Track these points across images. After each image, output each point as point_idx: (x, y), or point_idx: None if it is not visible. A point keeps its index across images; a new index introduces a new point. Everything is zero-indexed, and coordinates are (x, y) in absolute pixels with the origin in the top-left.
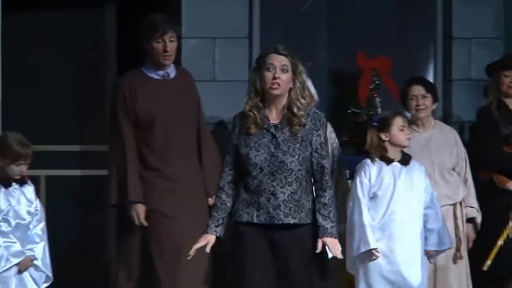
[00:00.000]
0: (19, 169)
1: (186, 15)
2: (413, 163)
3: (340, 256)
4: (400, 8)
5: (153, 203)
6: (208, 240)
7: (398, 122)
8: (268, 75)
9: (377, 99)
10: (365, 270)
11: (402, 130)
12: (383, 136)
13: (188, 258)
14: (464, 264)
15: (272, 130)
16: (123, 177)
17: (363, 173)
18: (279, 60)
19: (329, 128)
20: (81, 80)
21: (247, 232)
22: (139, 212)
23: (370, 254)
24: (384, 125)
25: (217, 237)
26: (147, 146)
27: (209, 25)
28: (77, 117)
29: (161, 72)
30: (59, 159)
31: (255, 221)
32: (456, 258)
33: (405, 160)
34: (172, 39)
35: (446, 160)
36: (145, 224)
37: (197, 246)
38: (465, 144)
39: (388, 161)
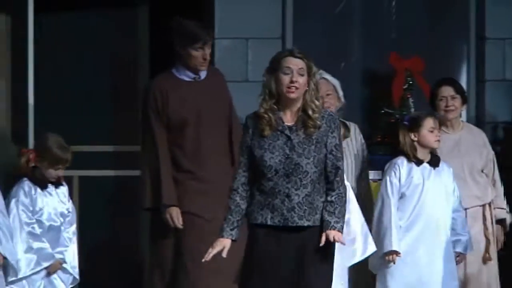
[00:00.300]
0: (56, 173)
1: (219, 15)
2: (442, 165)
3: (344, 242)
4: (433, 8)
5: (186, 205)
6: (224, 244)
7: (428, 123)
8: (285, 78)
9: (410, 100)
10: (386, 270)
11: (431, 131)
12: (412, 136)
13: (203, 260)
14: (493, 265)
15: (287, 132)
16: (157, 180)
17: (393, 173)
18: (296, 63)
19: (357, 129)
20: (114, 81)
21: (260, 234)
22: (174, 215)
23: (390, 256)
24: (414, 125)
25: (232, 240)
26: (179, 148)
27: (242, 25)
28: (109, 118)
29: (192, 74)
30: (92, 159)
31: (269, 223)
32: (485, 259)
33: (435, 161)
34: (209, 47)
35: (476, 161)
36: (181, 226)
37: (214, 251)
38: (499, 145)
39: (418, 162)
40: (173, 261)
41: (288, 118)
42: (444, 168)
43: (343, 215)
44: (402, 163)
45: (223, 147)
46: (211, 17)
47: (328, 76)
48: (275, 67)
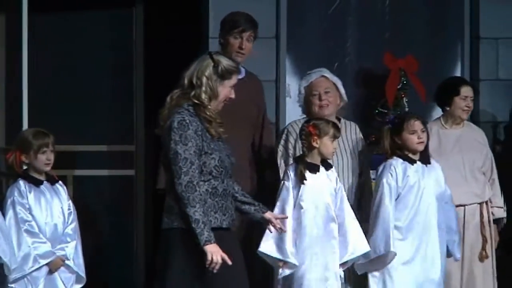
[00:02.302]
0: (46, 157)
1: (214, 15)
2: (433, 161)
3: None
4: (428, 8)
5: None
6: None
7: (409, 126)
8: (229, 92)
9: (405, 99)
10: (385, 271)
11: (412, 133)
12: (396, 139)
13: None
14: (490, 263)
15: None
16: None
17: (389, 174)
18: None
19: (357, 128)
20: (109, 81)
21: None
22: None
23: (387, 257)
24: (396, 129)
25: None
26: None
27: None
28: (104, 117)
29: None
30: (87, 159)
31: (223, 225)
32: (482, 257)
33: (426, 159)
34: (249, 39)
35: (477, 158)
36: None
37: (224, 259)
38: (493, 144)
39: (411, 161)
40: None
41: None
42: (434, 165)
43: None
44: (397, 163)
45: (245, 148)
46: (206, 16)
47: (328, 74)
48: (225, 76)
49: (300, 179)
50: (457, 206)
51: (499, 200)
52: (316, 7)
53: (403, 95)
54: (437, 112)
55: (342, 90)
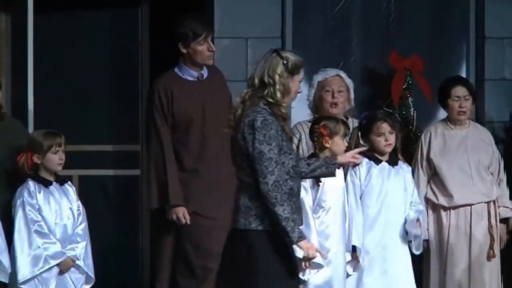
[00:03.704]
0: (58, 156)
1: (219, 15)
2: (401, 163)
3: None
4: (433, 7)
5: (191, 205)
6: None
7: (376, 128)
8: (298, 88)
9: (410, 99)
10: (356, 272)
11: (380, 136)
12: (364, 140)
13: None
14: (496, 262)
15: None
16: (163, 180)
17: (353, 172)
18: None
19: None
20: (114, 80)
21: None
22: (180, 215)
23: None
24: (364, 130)
25: None
26: (184, 148)
27: (241, 25)
28: (109, 117)
29: (195, 73)
30: (92, 159)
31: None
32: (489, 256)
33: (394, 160)
34: (211, 39)
35: (483, 157)
36: (188, 222)
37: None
38: (498, 144)
39: (377, 161)
40: (176, 261)
41: None
42: (403, 167)
43: None
44: (361, 162)
45: (226, 146)
46: (211, 16)
47: (343, 75)
48: (294, 71)
49: (316, 181)
50: (463, 205)
51: (506, 200)
52: (321, 7)
53: (408, 95)
54: (443, 111)
55: (352, 95)
